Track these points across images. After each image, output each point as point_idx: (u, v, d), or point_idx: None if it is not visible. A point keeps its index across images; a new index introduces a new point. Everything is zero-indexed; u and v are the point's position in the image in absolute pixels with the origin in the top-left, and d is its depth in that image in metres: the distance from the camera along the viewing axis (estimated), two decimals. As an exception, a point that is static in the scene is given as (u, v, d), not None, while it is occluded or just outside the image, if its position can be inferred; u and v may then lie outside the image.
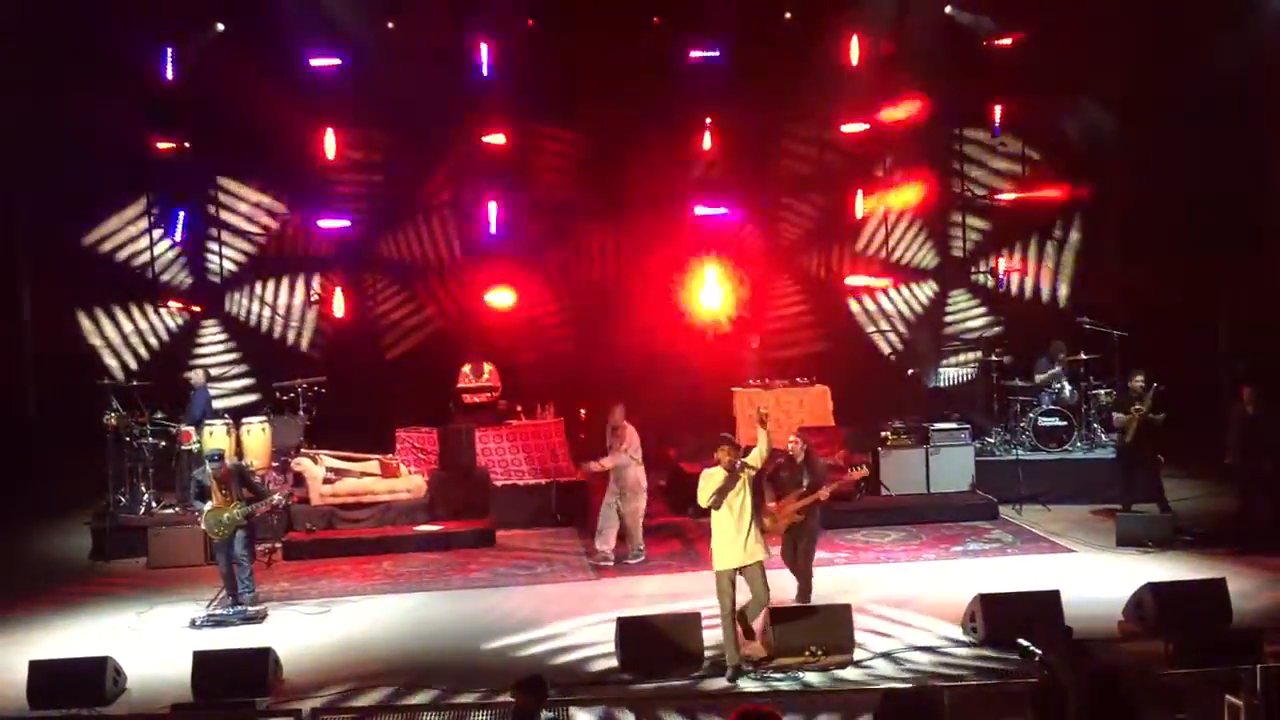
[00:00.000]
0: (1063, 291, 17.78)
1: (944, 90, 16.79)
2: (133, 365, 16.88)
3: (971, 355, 17.41)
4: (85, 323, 16.91)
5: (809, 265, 18.13)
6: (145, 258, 17.07)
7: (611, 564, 12.29)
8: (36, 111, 15.18)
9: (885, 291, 18.04)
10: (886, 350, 17.89)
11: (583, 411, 15.89)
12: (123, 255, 17.03)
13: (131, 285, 17.04)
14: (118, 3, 15.38)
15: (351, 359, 17.22)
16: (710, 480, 9.17)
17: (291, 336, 17.52)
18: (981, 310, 18.01)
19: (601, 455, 12.63)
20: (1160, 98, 15.71)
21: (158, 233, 16.98)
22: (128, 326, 17.08)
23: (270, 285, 17.53)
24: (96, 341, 16.89)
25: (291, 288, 17.56)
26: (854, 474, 11.35)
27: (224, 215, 17.36)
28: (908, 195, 17.65)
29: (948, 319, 18.18)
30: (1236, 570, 10.83)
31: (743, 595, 9.26)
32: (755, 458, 9.26)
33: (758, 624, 9.55)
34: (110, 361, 16.80)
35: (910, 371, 17.07)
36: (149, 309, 17.12)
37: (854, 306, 18.07)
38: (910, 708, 2.89)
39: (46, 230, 16.30)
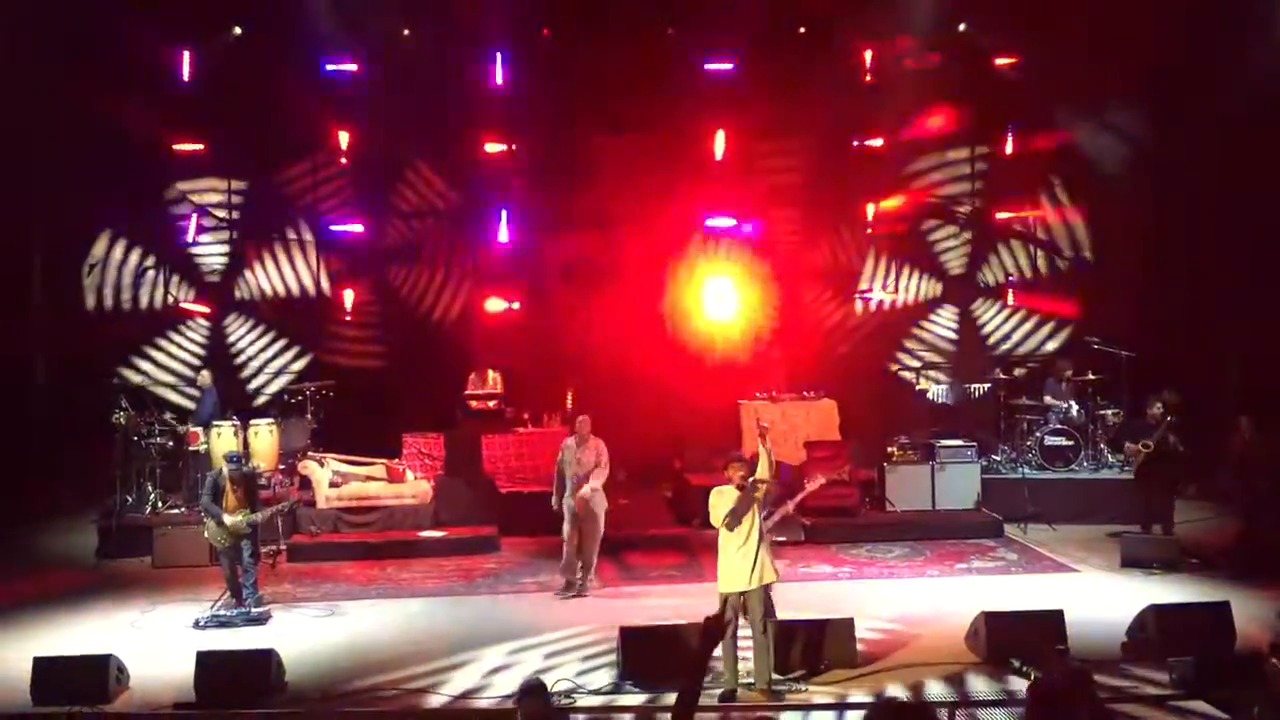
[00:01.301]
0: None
1: (955, 107, 16.81)
2: (146, 367, 16.93)
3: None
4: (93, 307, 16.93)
5: (816, 278, 18.14)
6: (159, 254, 17.12)
7: (573, 594, 11.67)
8: (52, 112, 15.25)
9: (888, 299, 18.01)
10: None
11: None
12: (134, 256, 17.09)
13: (146, 277, 17.09)
14: (136, 4, 15.46)
15: (360, 362, 17.27)
16: (722, 499, 8.94)
17: (298, 343, 17.55)
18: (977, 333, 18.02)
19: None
20: (1175, 115, 15.72)
21: (172, 234, 17.05)
22: (137, 324, 17.12)
23: (282, 287, 17.59)
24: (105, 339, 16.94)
25: (303, 291, 17.63)
26: (812, 486, 10.33)
27: (236, 216, 17.42)
28: (910, 210, 17.70)
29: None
30: (1241, 594, 10.80)
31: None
32: (762, 473, 8.99)
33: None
34: (124, 369, 16.83)
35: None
36: (157, 302, 17.14)
37: (858, 308, 18.01)
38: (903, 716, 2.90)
39: (61, 230, 16.37)
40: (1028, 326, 17.87)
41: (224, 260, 17.44)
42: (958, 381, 16.93)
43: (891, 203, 17.67)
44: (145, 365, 17.01)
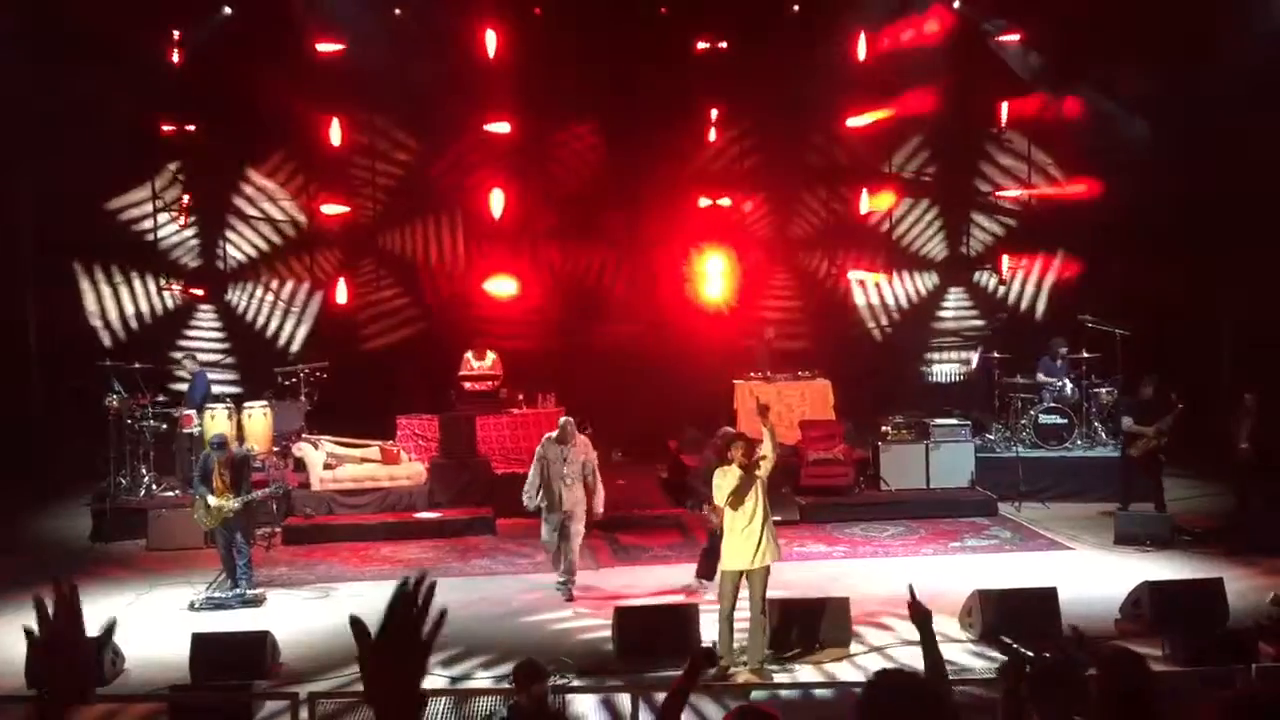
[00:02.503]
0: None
1: (951, 87, 16.76)
2: (124, 340, 16.81)
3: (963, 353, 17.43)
4: (88, 298, 16.88)
5: (813, 258, 18.13)
6: (150, 239, 17.06)
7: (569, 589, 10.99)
8: (42, 93, 15.14)
9: (883, 283, 18.01)
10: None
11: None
12: (128, 236, 17.02)
13: (135, 261, 17.01)
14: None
15: (353, 344, 17.25)
16: (726, 479, 8.92)
17: (290, 325, 17.50)
18: (975, 310, 18.04)
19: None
20: (1169, 96, 15.69)
21: (163, 217, 16.97)
22: (129, 307, 17.05)
23: (273, 270, 17.54)
24: (96, 322, 16.87)
25: (295, 273, 17.57)
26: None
27: (235, 200, 17.34)
28: (909, 191, 17.68)
29: (943, 314, 18.20)
30: (1234, 570, 10.85)
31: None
32: (767, 450, 8.97)
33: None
34: (104, 337, 16.74)
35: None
36: (150, 287, 17.08)
37: (858, 300, 18.08)
38: (903, 689, 2.88)
39: (52, 209, 16.28)
40: (1029, 290, 17.88)
41: (213, 244, 17.34)
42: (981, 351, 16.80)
43: (884, 197, 17.64)
44: (125, 339, 16.89)
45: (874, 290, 18.06)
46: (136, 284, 17.06)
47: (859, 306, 18.08)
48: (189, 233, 17.17)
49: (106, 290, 16.94)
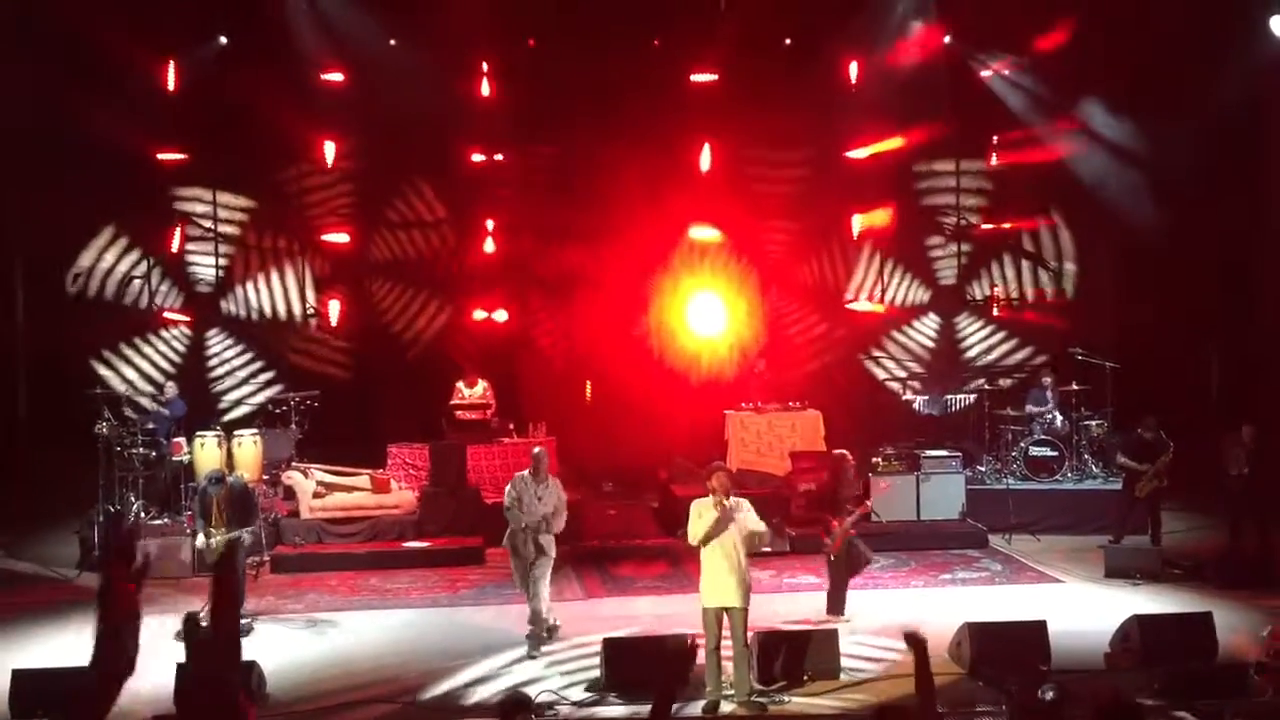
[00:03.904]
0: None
1: (940, 119, 16.87)
2: (130, 375, 16.85)
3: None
4: (78, 324, 16.86)
5: (802, 289, 18.17)
6: (143, 265, 17.04)
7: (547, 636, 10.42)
8: (36, 118, 15.18)
9: (876, 313, 18.04)
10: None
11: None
12: (120, 261, 17.02)
13: (128, 286, 17.00)
14: (122, 13, 15.40)
15: (345, 373, 17.24)
16: (702, 514, 8.81)
17: (281, 353, 17.48)
18: (967, 342, 18.06)
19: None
20: (1157, 129, 15.81)
21: (156, 241, 16.97)
22: (119, 333, 17.03)
23: (266, 296, 17.54)
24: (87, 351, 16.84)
25: (288, 299, 17.58)
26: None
27: (222, 227, 17.38)
28: (897, 221, 17.76)
29: (965, 348, 18.13)
30: (1224, 604, 10.84)
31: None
32: (760, 528, 8.93)
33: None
34: (106, 373, 16.72)
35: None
36: (142, 313, 17.08)
37: (850, 331, 18.09)
38: None
39: (45, 234, 16.27)
40: (1012, 344, 17.86)
41: (211, 271, 17.36)
42: (937, 393, 16.94)
43: (878, 215, 17.71)
44: (123, 369, 16.86)
45: (865, 321, 18.09)
46: (127, 310, 17.05)
47: (850, 338, 18.10)
48: (184, 258, 17.17)
49: (97, 316, 16.91)
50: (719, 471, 9.05)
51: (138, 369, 17.03)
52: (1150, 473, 13.00)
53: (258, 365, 17.39)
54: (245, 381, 17.29)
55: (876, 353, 18.12)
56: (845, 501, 11.14)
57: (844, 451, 11.61)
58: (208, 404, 16.39)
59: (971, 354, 17.93)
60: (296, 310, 17.46)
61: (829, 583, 11.13)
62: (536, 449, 10.89)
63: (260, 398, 16.74)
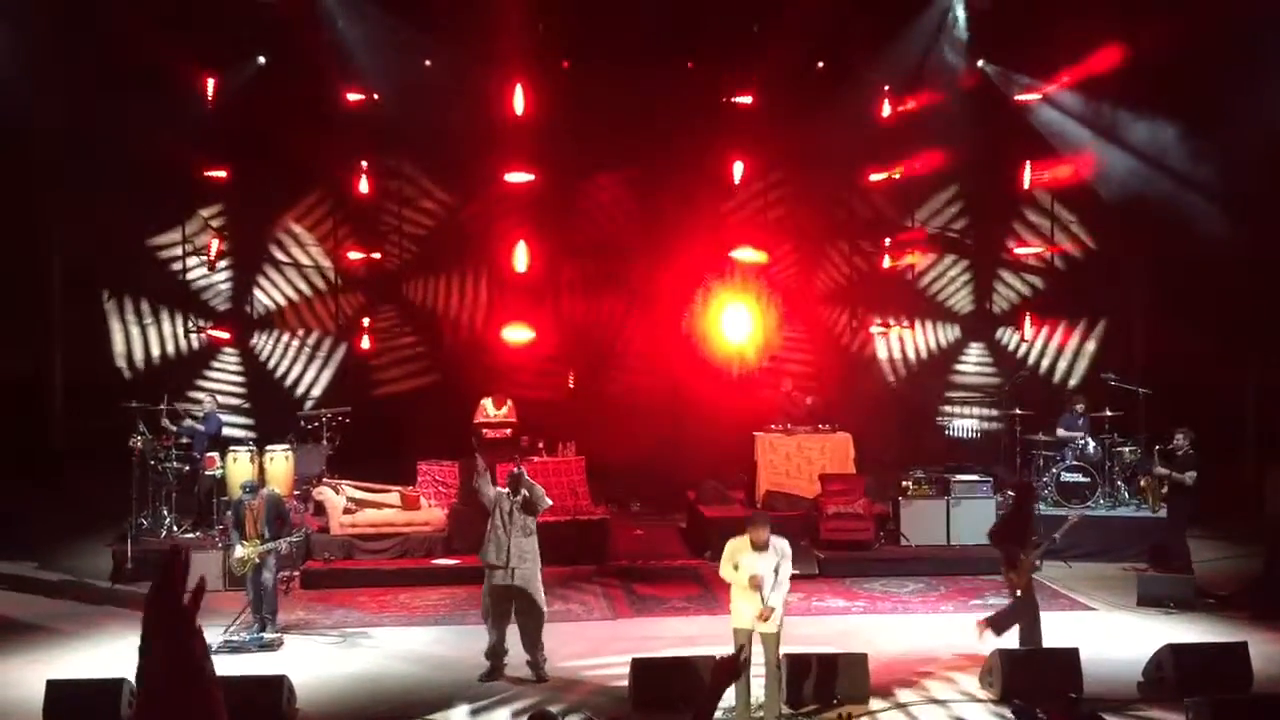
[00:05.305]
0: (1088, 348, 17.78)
1: (976, 144, 16.85)
2: (148, 379, 16.94)
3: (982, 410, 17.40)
4: (116, 336, 17.04)
5: (835, 310, 18.16)
6: (180, 279, 17.23)
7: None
8: (78, 133, 15.37)
9: (906, 337, 18.03)
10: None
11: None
12: (158, 275, 17.20)
13: (164, 301, 17.18)
14: (163, 30, 15.57)
15: (375, 390, 17.34)
16: (734, 557, 8.87)
17: (314, 370, 17.62)
18: (995, 368, 18.02)
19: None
20: (1193, 156, 15.71)
21: (192, 260, 17.16)
22: (155, 347, 17.21)
23: (299, 315, 17.70)
24: (121, 362, 17.01)
25: (320, 319, 17.73)
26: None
27: (265, 245, 17.55)
28: (934, 247, 17.74)
29: (965, 369, 18.16)
30: (1258, 634, 10.71)
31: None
32: (777, 601, 8.80)
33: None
34: (130, 376, 16.86)
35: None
36: (178, 328, 17.25)
37: (880, 353, 18.09)
38: None
39: (84, 244, 16.46)
40: (1050, 351, 17.86)
41: (241, 289, 17.52)
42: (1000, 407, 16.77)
43: (908, 240, 17.71)
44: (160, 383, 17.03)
45: (896, 344, 18.08)
46: (165, 324, 17.24)
47: (881, 360, 18.08)
48: (219, 276, 17.35)
49: (135, 329, 17.11)
50: (758, 523, 8.98)
51: (169, 382, 17.18)
52: (1188, 480, 12.84)
53: (291, 380, 17.53)
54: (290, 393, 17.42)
55: (907, 378, 18.09)
56: (1032, 533, 10.67)
57: (1028, 479, 11.10)
58: (281, 414, 16.37)
59: (998, 379, 17.87)
60: (330, 331, 17.60)
61: (1009, 610, 10.47)
62: (514, 472, 10.39)
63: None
